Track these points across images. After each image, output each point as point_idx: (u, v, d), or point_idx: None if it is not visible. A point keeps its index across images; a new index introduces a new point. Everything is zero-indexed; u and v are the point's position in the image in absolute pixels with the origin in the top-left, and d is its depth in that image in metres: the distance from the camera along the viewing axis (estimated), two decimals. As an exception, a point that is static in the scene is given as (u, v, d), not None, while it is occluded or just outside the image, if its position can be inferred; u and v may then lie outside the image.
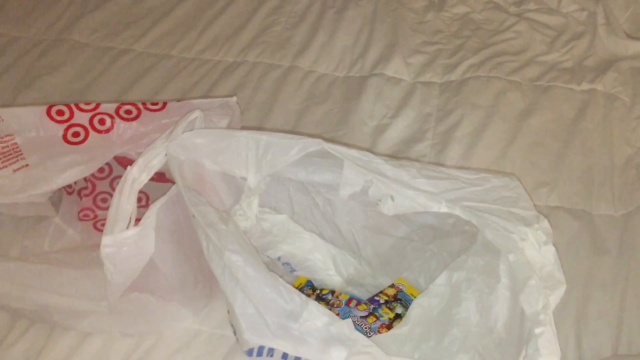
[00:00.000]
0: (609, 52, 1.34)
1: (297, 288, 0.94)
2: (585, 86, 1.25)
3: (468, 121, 1.19)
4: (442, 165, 1.08)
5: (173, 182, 0.98)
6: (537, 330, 0.64)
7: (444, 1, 1.50)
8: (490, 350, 0.74)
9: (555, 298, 0.68)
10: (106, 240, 0.75)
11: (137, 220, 0.79)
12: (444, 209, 0.74)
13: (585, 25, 1.41)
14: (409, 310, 0.78)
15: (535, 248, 0.70)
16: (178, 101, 0.92)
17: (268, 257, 0.93)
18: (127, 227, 0.76)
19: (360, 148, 1.12)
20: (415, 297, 0.91)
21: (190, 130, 0.80)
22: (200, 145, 0.79)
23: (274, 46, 1.40)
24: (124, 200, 0.78)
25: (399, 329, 0.77)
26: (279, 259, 0.94)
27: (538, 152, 1.14)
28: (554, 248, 0.70)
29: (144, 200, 1.01)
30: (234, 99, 0.92)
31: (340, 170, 0.84)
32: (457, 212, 0.74)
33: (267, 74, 1.34)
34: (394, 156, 1.14)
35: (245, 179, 0.82)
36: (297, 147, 0.78)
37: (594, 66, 1.30)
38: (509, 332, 0.72)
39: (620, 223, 1.02)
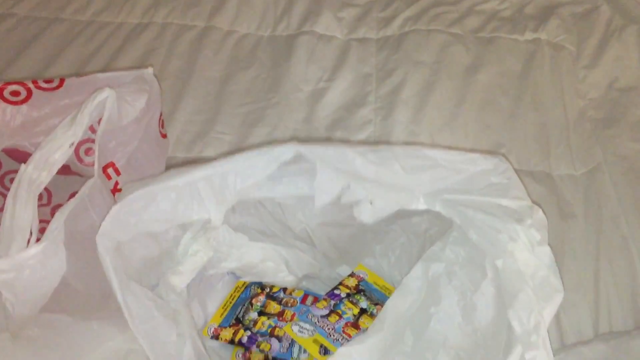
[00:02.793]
0: (547, -3, 1.26)
1: (241, 287, 0.81)
2: (529, 36, 1.17)
3: (412, 81, 1.08)
4: (391, 142, 0.97)
5: (80, 175, 0.82)
6: (528, 356, 0.55)
7: (370, -53, 1.37)
8: (472, 353, 0.65)
9: (551, 309, 0.58)
10: (1, 264, 0.58)
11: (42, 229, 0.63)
12: (421, 205, 0.63)
13: (519, -30, 1.32)
14: (383, 312, 0.67)
15: (528, 249, 0.60)
16: (79, 76, 0.75)
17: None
18: (28, 244, 0.60)
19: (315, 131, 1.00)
20: (378, 285, 0.81)
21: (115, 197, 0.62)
22: (138, 212, 0.62)
23: (185, 4, 1.22)
24: (20, 208, 0.61)
25: (374, 335, 0.65)
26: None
27: (490, 110, 1.05)
28: (549, 249, 0.60)
29: (45, 198, 0.84)
30: (150, 70, 0.75)
31: (296, 177, 0.70)
32: (437, 208, 0.63)
33: (180, 36, 1.16)
34: (336, 125, 1.02)
35: (208, 221, 0.67)
36: (262, 162, 0.63)
37: (534, 14, 1.22)
38: (495, 335, 0.62)
39: (582, 183, 0.96)
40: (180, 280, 0.66)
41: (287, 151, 0.62)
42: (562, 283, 0.59)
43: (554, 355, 0.58)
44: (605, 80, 1.10)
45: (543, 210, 0.62)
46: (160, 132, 0.81)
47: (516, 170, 0.94)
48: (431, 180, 0.64)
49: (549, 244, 0.60)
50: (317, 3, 1.23)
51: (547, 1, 1.25)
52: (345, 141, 0.99)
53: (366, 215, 0.65)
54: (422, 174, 0.63)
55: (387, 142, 0.99)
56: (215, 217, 0.65)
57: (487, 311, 0.62)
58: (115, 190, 0.72)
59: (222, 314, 0.77)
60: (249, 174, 0.63)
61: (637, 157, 0.98)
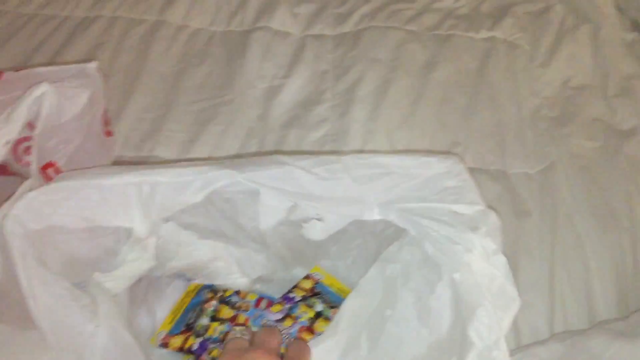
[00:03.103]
0: (503, -4, 1.27)
1: (192, 292, 0.78)
2: (484, 34, 1.17)
3: (369, 78, 1.06)
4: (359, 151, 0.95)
5: (22, 176, 0.77)
6: None
7: (326, -57, 1.35)
8: (427, 357, 0.63)
9: (508, 320, 0.57)
10: None
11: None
12: (376, 216, 0.62)
13: (475, -31, 1.32)
14: (338, 314, 0.65)
15: (484, 259, 0.59)
16: (17, 70, 0.70)
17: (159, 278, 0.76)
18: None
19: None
20: (335, 288, 0.79)
21: (29, 193, 0.57)
22: (55, 203, 0.58)
23: (135, -3, 1.18)
24: (-50, 212, 0.57)
25: (327, 339, 0.63)
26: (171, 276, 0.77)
27: (446, 108, 1.04)
28: (504, 258, 0.59)
29: (-17, 200, 0.79)
30: (94, 64, 0.71)
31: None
32: (392, 217, 0.62)
33: (130, 31, 1.12)
34: (292, 123, 1.00)
35: (131, 229, 0.63)
36: (196, 184, 0.60)
37: (490, 12, 1.22)
38: (449, 339, 0.61)
39: (537, 181, 0.96)
40: (115, 285, 0.63)
41: (223, 178, 0.60)
42: (517, 289, 0.59)
43: (510, 357, 0.58)
44: (559, 78, 1.11)
45: (497, 212, 0.61)
46: (105, 131, 0.77)
47: (472, 169, 0.96)
48: (384, 189, 0.63)
49: (505, 246, 0.59)
50: (272, -2, 1.20)
51: (502, 0, 1.25)
52: (296, 152, 0.96)
53: (315, 233, 0.64)
54: (375, 183, 0.62)
55: (340, 147, 0.97)
56: (139, 228, 0.62)
57: (443, 314, 0.60)
58: (56, 191, 0.68)
59: (172, 321, 0.74)
60: (179, 193, 0.60)
61: (590, 155, 0.99)
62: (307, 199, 0.61)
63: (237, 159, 0.64)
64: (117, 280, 0.63)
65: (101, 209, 0.60)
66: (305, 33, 1.16)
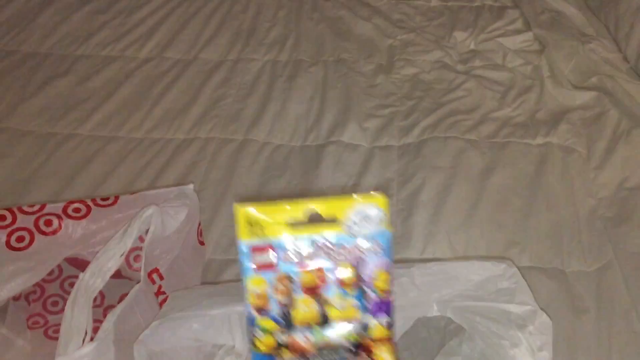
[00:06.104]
0: (558, 103, 1.36)
1: None
2: (540, 140, 1.26)
3: (430, 184, 1.17)
4: (435, 258, 1.05)
5: (129, 279, 0.92)
6: None
7: (392, 64, 1.51)
8: None
9: None
10: (60, 361, 0.67)
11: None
12: (435, 313, 0.71)
13: (531, 79, 1.43)
14: None
15: (530, 354, 0.66)
16: (131, 194, 0.87)
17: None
18: (83, 342, 0.70)
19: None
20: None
21: (156, 324, 0.70)
22: (172, 329, 0.71)
23: (226, 119, 1.37)
24: (78, 312, 0.71)
25: None
26: None
27: (504, 211, 1.12)
28: (548, 355, 0.66)
29: (99, 299, 0.94)
30: (191, 186, 0.87)
31: None
32: (448, 314, 0.71)
33: (221, 149, 1.29)
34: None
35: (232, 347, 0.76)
36: None
37: (545, 119, 1.32)
38: None
39: (594, 279, 1.01)
40: None
41: None
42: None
43: None
44: (615, 180, 1.17)
45: (548, 313, 0.68)
46: (199, 240, 0.92)
47: (530, 268, 1.03)
48: (444, 290, 0.72)
49: (554, 345, 0.65)
50: (344, 115, 1.35)
51: (557, 107, 1.35)
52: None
53: None
54: (436, 286, 0.71)
55: (404, 249, 1.06)
56: (239, 346, 0.73)
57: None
58: (159, 293, 0.82)
59: None
60: None
61: (647, 253, 1.03)
62: None
63: None
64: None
65: (208, 331, 0.72)
66: (374, 145, 1.29)
